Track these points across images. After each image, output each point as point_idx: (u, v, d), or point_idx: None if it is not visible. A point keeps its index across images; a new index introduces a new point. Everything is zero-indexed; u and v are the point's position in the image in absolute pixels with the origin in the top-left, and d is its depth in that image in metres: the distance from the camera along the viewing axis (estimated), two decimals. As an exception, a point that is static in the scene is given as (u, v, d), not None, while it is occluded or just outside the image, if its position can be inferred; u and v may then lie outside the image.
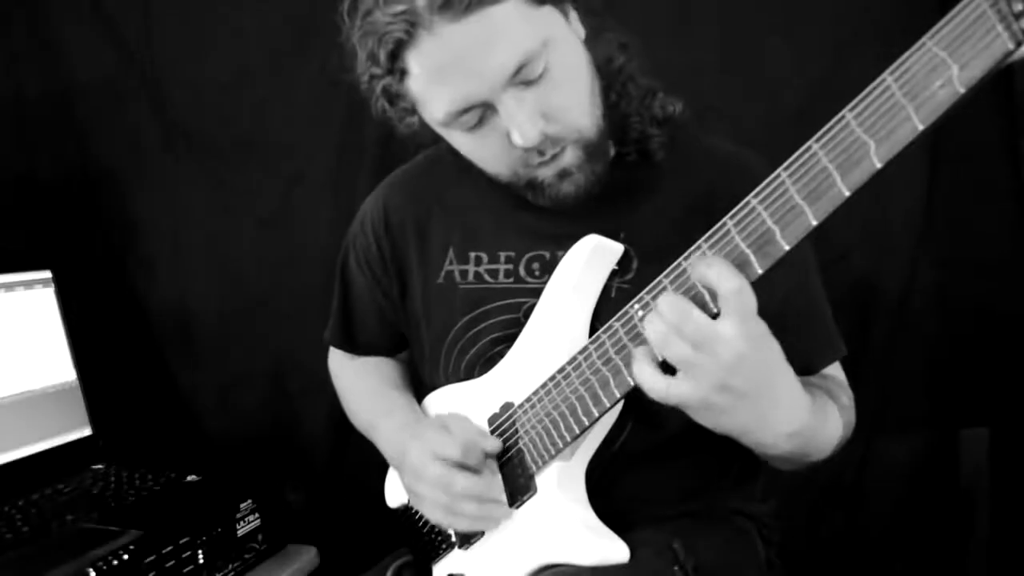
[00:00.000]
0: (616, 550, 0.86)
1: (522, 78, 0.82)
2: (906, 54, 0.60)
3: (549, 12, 0.84)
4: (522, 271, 0.98)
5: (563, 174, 0.89)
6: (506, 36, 0.79)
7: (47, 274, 1.47)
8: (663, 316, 0.71)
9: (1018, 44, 0.55)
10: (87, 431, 1.47)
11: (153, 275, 1.77)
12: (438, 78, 0.82)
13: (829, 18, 1.39)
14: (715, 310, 0.71)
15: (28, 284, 1.44)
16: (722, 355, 0.69)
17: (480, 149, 0.90)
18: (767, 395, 0.73)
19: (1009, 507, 1.44)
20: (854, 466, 1.52)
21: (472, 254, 1.02)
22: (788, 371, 0.75)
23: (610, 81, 0.94)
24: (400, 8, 0.78)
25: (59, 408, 1.43)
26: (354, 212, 1.17)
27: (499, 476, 0.93)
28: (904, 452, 1.51)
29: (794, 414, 0.76)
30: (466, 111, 0.84)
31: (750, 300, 0.69)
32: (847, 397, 0.95)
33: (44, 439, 1.39)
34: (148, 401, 1.77)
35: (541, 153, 0.87)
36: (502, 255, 1.00)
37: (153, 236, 1.76)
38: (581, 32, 0.91)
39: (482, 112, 0.85)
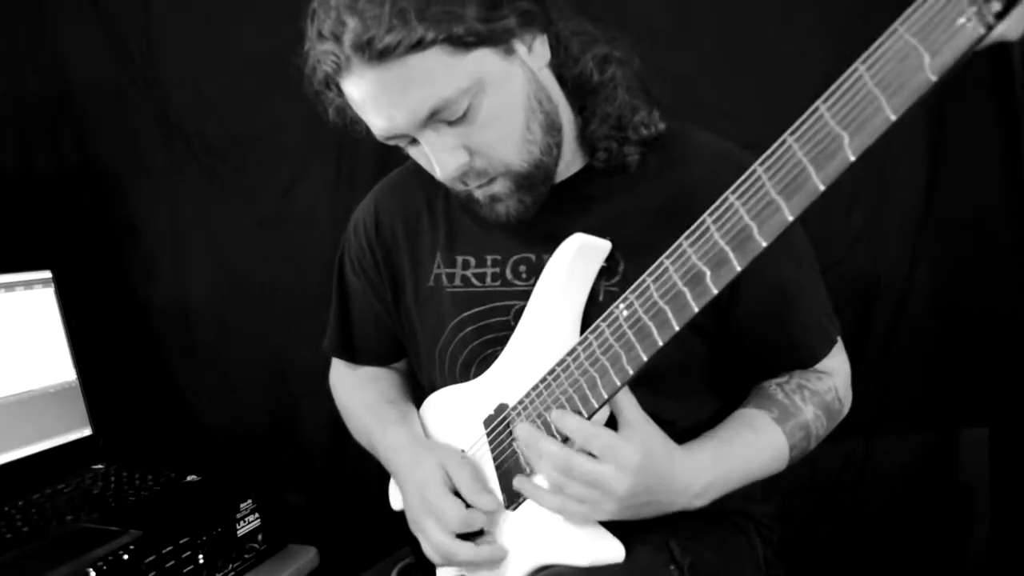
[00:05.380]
0: (611, 549, 0.86)
1: (441, 119, 0.84)
2: (878, 41, 0.58)
3: (480, 55, 0.82)
4: (509, 274, 0.98)
5: (494, 199, 0.91)
6: (422, 83, 0.81)
7: (47, 274, 1.47)
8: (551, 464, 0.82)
9: (989, 29, 0.52)
10: (87, 431, 1.46)
11: (153, 275, 1.77)
12: (362, 110, 0.87)
13: (831, 16, 1.39)
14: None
15: (28, 284, 1.43)
16: (616, 492, 0.80)
17: (423, 160, 0.92)
18: (664, 484, 0.82)
19: (1009, 507, 1.44)
20: (854, 466, 1.52)
21: (459, 258, 1.02)
22: (672, 449, 0.83)
23: (584, 100, 0.95)
24: (329, 47, 0.82)
25: (59, 408, 1.43)
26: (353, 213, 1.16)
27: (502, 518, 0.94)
28: (904, 452, 1.51)
29: (695, 477, 0.84)
30: (394, 137, 0.87)
31: (594, 434, 0.80)
32: (825, 399, 0.95)
33: (44, 439, 1.39)
34: (148, 401, 1.77)
35: (464, 183, 0.90)
36: (488, 258, 1.00)
37: (153, 236, 1.76)
38: (542, 59, 0.90)
39: (411, 138, 0.88)
